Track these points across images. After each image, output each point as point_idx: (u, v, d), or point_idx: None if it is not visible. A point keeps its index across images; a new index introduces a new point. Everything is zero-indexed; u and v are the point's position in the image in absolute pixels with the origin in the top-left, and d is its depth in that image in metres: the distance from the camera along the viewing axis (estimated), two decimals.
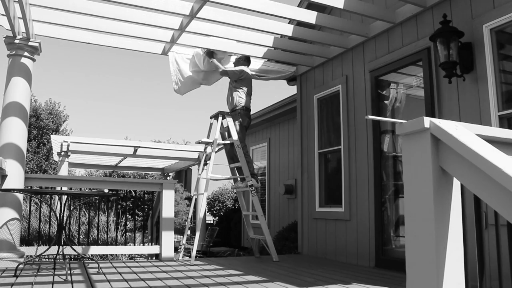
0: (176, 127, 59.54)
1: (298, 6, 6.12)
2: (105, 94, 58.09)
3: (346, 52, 5.80)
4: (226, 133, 6.04)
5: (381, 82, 5.24)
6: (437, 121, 1.55)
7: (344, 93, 5.73)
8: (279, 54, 6.21)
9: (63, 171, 10.92)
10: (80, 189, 5.70)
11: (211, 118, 6.06)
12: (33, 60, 5.24)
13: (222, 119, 5.94)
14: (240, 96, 5.77)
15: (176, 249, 7.08)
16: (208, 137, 6.04)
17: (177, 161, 13.28)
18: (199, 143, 5.96)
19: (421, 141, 1.60)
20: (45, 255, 4.45)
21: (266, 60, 6.47)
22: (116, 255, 6.96)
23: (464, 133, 1.50)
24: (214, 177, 5.90)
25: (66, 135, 23.52)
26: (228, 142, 5.91)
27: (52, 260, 4.58)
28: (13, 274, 3.75)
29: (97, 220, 7.44)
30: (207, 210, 15.79)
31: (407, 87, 4.98)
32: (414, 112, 4.86)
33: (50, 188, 5.64)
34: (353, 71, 5.64)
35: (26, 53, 5.11)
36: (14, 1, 4.43)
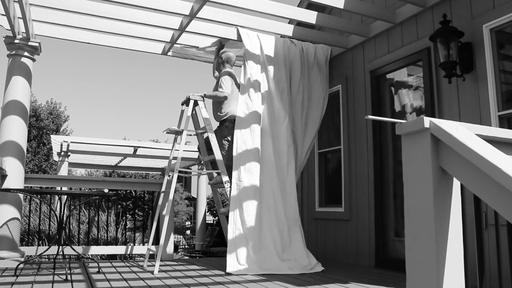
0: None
1: (298, 6, 6.11)
2: (105, 94, 58.10)
3: (346, 52, 5.80)
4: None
5: (381, 82, 5.23)
6: (437, 121, 1.55)
7: (344, 93, 5.72)
8: None
9: (63, 171, 10.92)
10: (80, 189, 5.71)
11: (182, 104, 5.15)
12: (33, 60, 5.24)
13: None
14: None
15: (176, 248, 7.09)
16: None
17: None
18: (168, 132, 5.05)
19: (421, 141, 1.60)
20: (45, 254, 4.45)
21: None
22: (116, 254, 6.96)
23: (464, 133, 1.50)
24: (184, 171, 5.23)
25: (66, 135, 23.52)
26: (200, 131, 5.09)
27: (52, 259, 4.58)
28: (13, 273, 3.76)
29: (97, 220, 7.45)
30: (207, 210, 15.77)
31: (407, 87, 4.98)
32: (414, 111, 4.86)
33: (50, 188, 5.64)
34: (353, 71, 5.64)
35: (26, 53, 5.10)
36: (14, 1, 4.42)
